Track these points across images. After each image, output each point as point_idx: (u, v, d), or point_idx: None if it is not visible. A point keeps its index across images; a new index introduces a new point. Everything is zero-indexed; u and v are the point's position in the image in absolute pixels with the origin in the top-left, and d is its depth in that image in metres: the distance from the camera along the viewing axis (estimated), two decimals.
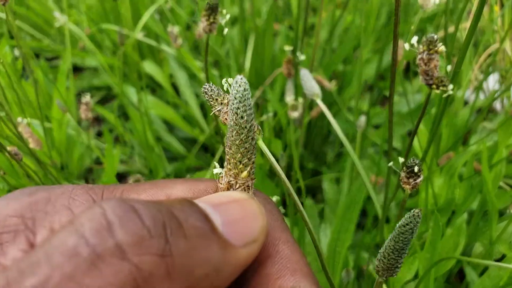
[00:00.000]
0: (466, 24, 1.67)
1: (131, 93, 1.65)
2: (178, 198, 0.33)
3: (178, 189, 0.36)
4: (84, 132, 1.38)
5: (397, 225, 0.41)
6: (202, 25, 0.58)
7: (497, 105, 1.70)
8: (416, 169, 0.55)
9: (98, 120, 1.89)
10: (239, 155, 0.35)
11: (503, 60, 1.71)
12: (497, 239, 1.04)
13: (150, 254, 0.25)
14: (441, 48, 0.50)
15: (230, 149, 0.35)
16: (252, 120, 0.34)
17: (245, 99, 0.33)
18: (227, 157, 0.35)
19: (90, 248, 0.24)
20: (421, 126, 1.32)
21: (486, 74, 1.53)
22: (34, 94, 1.02)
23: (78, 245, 0.24)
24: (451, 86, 0.52)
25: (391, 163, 0.57)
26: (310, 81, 0.72)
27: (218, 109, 0.39)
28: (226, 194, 0.34)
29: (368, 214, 1.26)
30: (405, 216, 0.41)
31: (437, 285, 1.02)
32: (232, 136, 0.34)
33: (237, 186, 0.35)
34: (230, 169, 0.35)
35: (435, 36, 0.50)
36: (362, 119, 1.01)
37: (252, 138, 0.35)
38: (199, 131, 1.59)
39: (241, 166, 0.35)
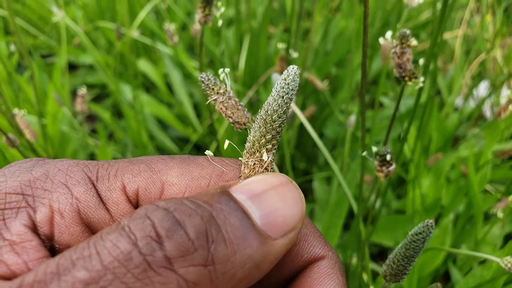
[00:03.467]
0: (458, 32, 1.70)
1: (126, 91, 1.66)
2: (215, 188, 0.32)
3: (173, 175, 0.37)
4: (78, 127, 1.39)
5: (410, 233, 0.42)
6: (197, 16, 0.59)
7: (487, 112, 1.73)
8: (388, 157, 0.57)
9: (91, 118, 1.89)
10: (270, 136, 0.36)
11: (494, 68, 1.75)
12: (481, 240, 1.06)
13: (194, 265, 0.27)
14: (414, 42, 0.53)
15: (266, 130, 0.36)
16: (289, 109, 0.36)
17: (293, 88, 0.34)
18: (262, 140, 0.36)
19: (142, 257, 0.26)
20: (412, 129, 1.34)
21: (476, 81, 1.56)
22: (29, 89, 1.03)
23: (131, 252, 0.26)
24: (422, 78, 0.55)
25: (364, 153, 0.60)
26: None
27: (214, 98, 0.40)
28: (264, 179, 0.34)
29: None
30: (419, 225, 0.42)
31: (423, 285, 1.03)
32: (272, 118, 0.35)
33: (266, 165, 0.36)
34: (258, 149, 0.36)
35: (408, 31, 0.52)
36: (352, 118, 1.03)
37: (281, 127, 0.36)
38: (192, 130, 1.60)
39: (269, 146, 0.36)
